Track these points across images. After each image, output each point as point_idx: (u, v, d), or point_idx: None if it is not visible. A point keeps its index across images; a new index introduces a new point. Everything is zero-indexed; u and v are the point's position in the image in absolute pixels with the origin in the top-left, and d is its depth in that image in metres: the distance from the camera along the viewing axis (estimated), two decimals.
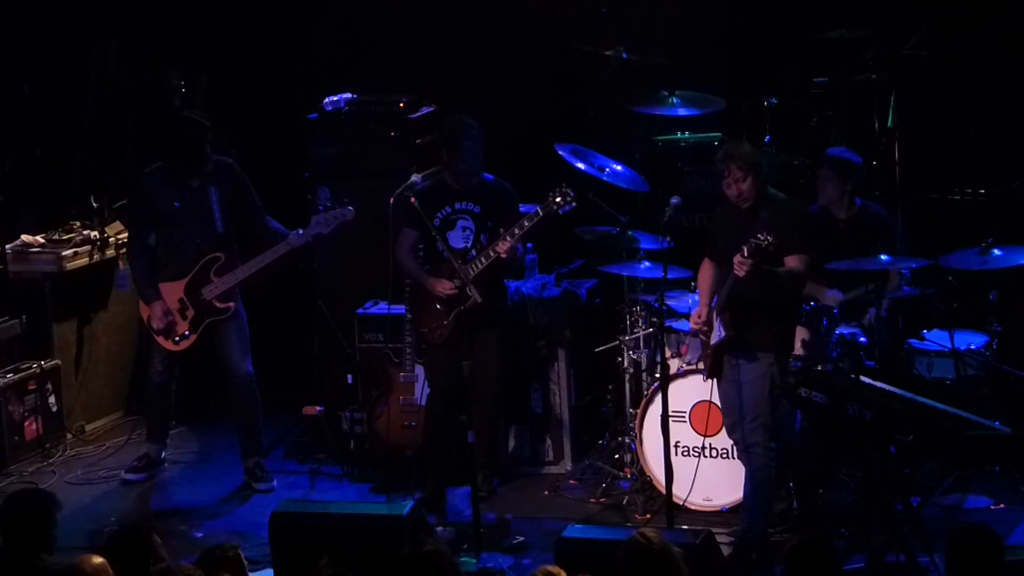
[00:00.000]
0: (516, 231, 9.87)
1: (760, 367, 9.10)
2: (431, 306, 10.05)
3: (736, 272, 8.91)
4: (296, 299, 11.44)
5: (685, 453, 9.86)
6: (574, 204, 9.86)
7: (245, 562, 7.24)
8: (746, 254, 8.82)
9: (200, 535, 9.88)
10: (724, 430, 9.55)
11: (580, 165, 10.40)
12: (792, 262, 9.05)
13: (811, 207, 10.31)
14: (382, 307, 10.69)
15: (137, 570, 7.06)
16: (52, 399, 11.34)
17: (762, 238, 8.78)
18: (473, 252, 9.98)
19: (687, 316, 9.90)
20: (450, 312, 9.94)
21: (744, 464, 9.31)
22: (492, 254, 9.87)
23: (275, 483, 10.62)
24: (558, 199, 9.82)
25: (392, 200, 9.85)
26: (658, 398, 9.22)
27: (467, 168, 9.99)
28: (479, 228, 10.05)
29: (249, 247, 10.52)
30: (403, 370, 10.54)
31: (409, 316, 10.29)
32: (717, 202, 9.52)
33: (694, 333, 9.49)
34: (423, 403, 10.43)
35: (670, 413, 9.14)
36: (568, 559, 7.96)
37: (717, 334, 9.15)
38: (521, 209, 10.37)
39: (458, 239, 10.02)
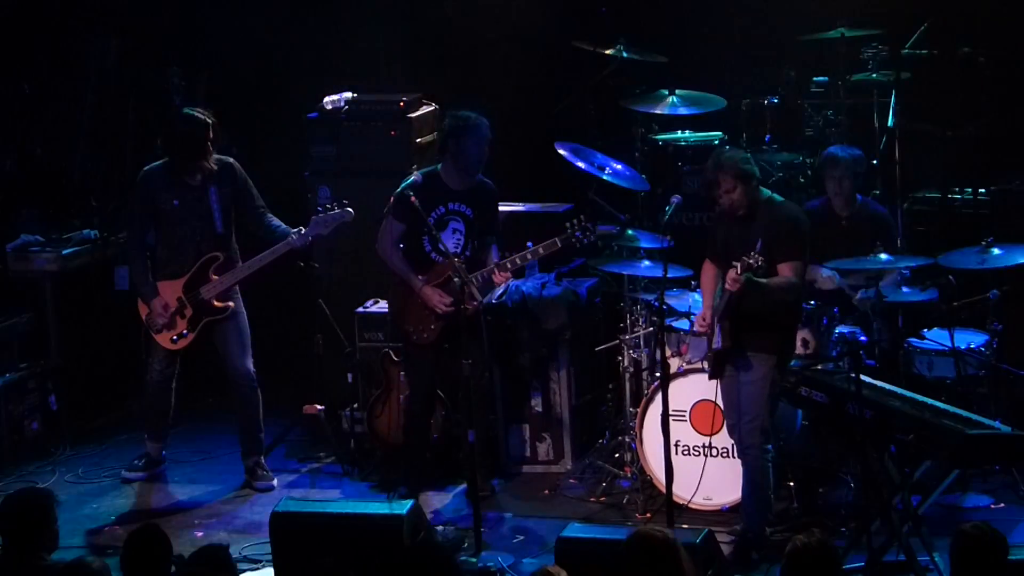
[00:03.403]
0: (529, 256, 9.80)
1: (760, 369, 9.09)
2: (416, 307, 9.99)
3: (728, 287, 8.92)
4: (296, 298, 11.44)
5: (685, 452, 9.85)
6: (593, 238, 9.79)
7: (234, 563, 7.24)
8: (739, 271, 8.82)
9: (200, 534, 9.88)
10: (725, 429, 9.56)
11: (580, 164, 10.41)
12: (784, 270, 9.02)
13: (812, 203, 10.34)
14: (383, 306, 10.70)
15: (148, 570, 7.07)
16: (52, 398, 11.33)
17: (752, 259, 8.76)
18: (468, 253, 9.93)
19: (687, 315, 9.91)
20: (439, 316, 9.91)
21: (741, 465, 9.31)
22: (486, 277, 9.80)
23: (275, 482, 10.62)
24: (578, 233, 9.72)
25: (392, 199, 9.85)
26: (658, 397, 9.22)
27: (471, 167, 9.94)
28: (469, 232, 9.97)
29: (251, 246, 10.52)
30: (403, 369, 10.53)
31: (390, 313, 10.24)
32: (716, 202, 9.51)
33: (696, 334, 9.50)
34: None
35: (670, 412, 9.14)
36: (568, 558, 7.97)
37: (716, 341, 9.16)
38: (522, 209, 10.40)
39: (448, 241, 9.98)
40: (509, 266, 9.81)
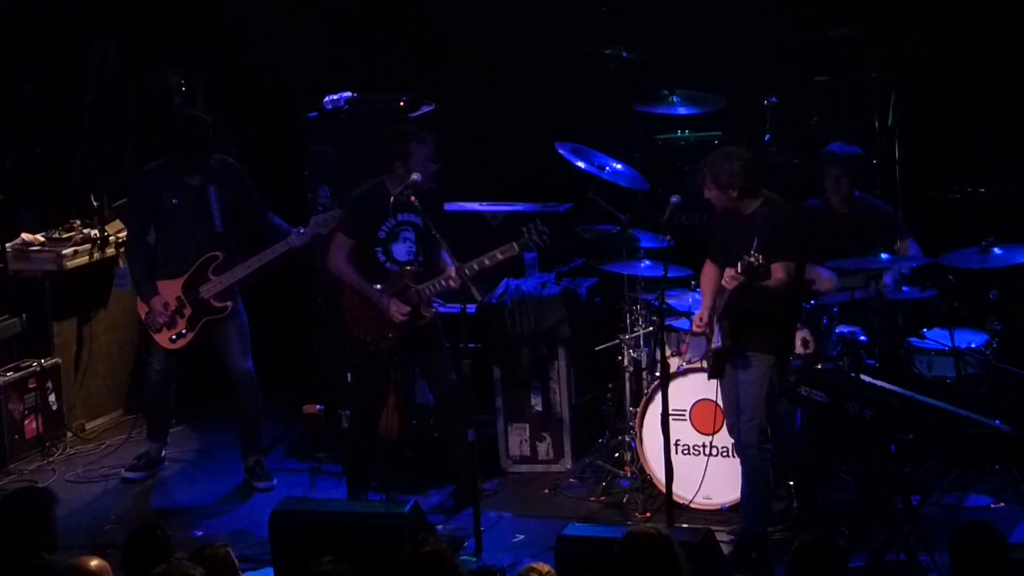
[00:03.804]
0: (487, 261, 9.79)
1: (759, 369, 9.10)
2: (373, 316, 9.93)
3: (724, 284, 8.92)
4: (296, 298, 11.44)
5: (685, 452, 9.86)
6: (548, 242, 9.81)
7: (235, 560, 7.24)
8: (739, 270, 8.82)
9: (200, 534, 9.87)
10: (725, 429, 9.56)
11: (580, 164, 10.41)
12: (777, 271, 9.02)
13: (811, 201, 10.33)
14: None
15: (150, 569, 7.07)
16: (52, 397, 11.34)
17: (753, 258, 8.76)
18: (421, 258, 9.91)
19: (687, 315, 9.90)
20: (396, 324, 9.90)
21: (741, 464, 9.32)
22: (444, 283, 9.82)
23: (275, 482, 10.62)
24: (534, 238, 9.77)
25: (392, 199, 9.85)
26: (658, 397, 9.22)
27: (425, 174, 9.90)
28: (420, 240, 9.94)
29: (253, 245, 10.52)
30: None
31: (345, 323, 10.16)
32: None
33: (694, 334, 9.51)
34: (420, 399, 10.46)
35: (670, 412, 9.14)
36: (568, 558, 7.97)
37: (716, 340, 9.16)
38: (522, 209, 10.39)
39: (402, 252, 9.97)
40: (467, 272, 9.80)
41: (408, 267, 9.89)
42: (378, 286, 9.89)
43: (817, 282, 9.90)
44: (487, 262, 9.80)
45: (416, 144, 9.85)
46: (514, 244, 9.81)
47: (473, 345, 9.84)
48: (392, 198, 9.79)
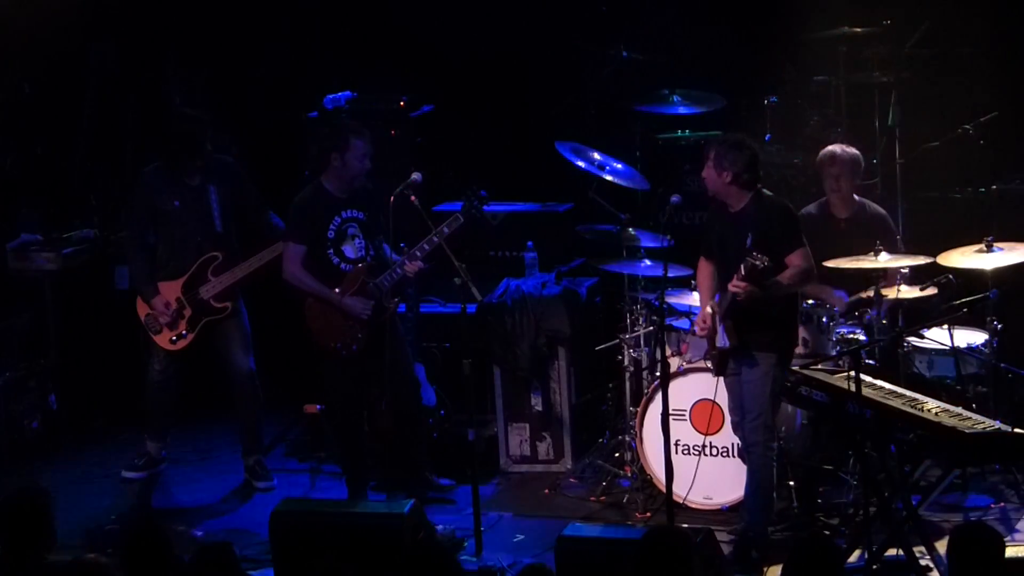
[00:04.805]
0: (435, 239, 9.77)
1: (762, 367, 9.09)
2: (338, 321, 9.92)
3: (736, 294, 8.89)
4: (296, 298, 11.42)
5: (685, 451, 9.85)
6: (488, 203, 9.86)
7: (238, 561, 7.24)
8: (743, 273, 8.80)
9: (200, 533, 9.87)
10: (725, 429, 9.56)
11: (580, 163, 10.42)
12: (794, 259, 9.02)
13: (808, 208, 10.32)
14: None
15: (150, 568, 7.07)
16: (52, 398, 11.34)
17: (759, 260, 8.74)
18: (372, 253, 9.93)
19: (687, 314, 9.91)
20: (363, 323, 9.91)
21: (745, 463, 9.31)
22: (399, 272, 9.83)
23: (275, 481, 10.62)
24: (475, 202, 9.80)
25: (392, 199, 9.85)
26: (658, 396, 9.22)
27: (355, 178, 9.88)
28: (366, 235, 9.96)
29: (253, 245, 10.51)
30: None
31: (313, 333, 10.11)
32: (713, 200, 9.52)
33: (697, 335, 9.51)
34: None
35: (670, 411, 9.13)
36: (568, 557, 7.99)
37: (721, 340, 9.14)
38: (522, 209, 10.38)
39: (352, 250, 9.97)
40: (419, 254, 9.83)
41: (360, 264, 9.90)
42: (336, 289, 9.88)
43: (827, 299, 9.91)
44: (435, 239, 9.79)
45: (355, 137, 9.87)
46: (458, 215, 9.85)
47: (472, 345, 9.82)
48: (392, 197, 9.80)
